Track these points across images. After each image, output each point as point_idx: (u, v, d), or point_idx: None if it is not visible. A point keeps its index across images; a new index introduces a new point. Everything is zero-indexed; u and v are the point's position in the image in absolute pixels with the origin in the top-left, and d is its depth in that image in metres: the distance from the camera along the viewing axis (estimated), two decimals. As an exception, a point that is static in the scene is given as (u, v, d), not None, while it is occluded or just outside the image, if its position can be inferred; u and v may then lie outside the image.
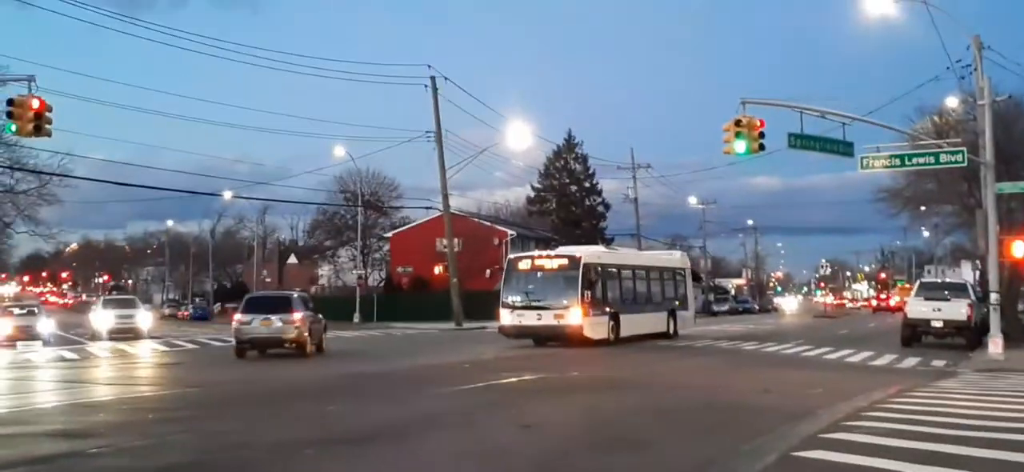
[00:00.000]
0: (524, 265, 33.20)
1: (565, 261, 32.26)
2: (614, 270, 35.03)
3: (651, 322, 35.96)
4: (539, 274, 32.36)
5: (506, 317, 32.26)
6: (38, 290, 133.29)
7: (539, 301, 31.55)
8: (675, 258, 44.11)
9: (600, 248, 39.33)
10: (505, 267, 34.52)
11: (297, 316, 28.02)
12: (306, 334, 28.01)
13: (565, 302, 30.85)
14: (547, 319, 31.05)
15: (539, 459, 10.52)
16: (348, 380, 21.13)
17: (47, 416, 15.16)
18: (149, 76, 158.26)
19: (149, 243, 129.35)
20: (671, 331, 37.32)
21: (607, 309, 32.45)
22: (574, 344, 30.20)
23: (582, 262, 31.60)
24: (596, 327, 31.38)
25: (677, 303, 39.19)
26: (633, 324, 34.04)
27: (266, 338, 27.92)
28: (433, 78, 48.54)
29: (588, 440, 11.99)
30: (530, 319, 31.50)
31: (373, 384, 20.18)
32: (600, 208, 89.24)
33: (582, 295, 30.75)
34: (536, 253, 35.56)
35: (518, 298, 32.14)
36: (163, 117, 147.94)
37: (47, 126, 24.30)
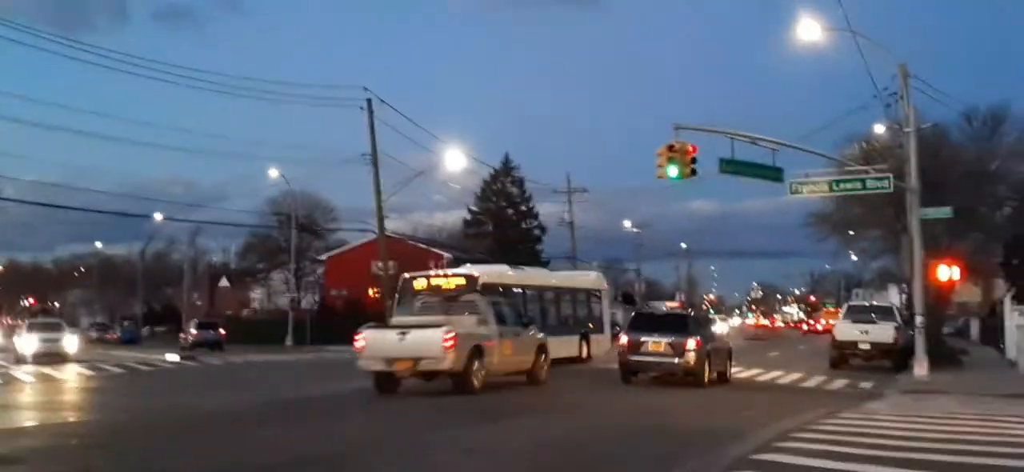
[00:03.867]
0: (419, 284, 31.58)
1: (462, 280, 30.81)
2: (518, 291, 33.74)
3: (560, 346, 32.23)
4: (436, 294, 29.76)
5: None
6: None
7: None
8: (590, 278, 42.17)
9: (503, 267, 37.36)
10: (399, 285, 32.71)
11: None
12: None
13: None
14: None
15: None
16: (278, 405, 20.87)
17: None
18: (81, 96, 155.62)
19: (77, 265, 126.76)
20: (584, 355, 35.76)
21: None
22: None
23: (479, 281, 30.32)
24: None
25: (591, 326, 37.65)
26: None
27: None
28: (369, 100, 48.18)
29: (528, 463, 11.96)
30: None
31: (303, 409, 19.93)
32: (536, 231, 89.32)
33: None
34: (432, 272, 33.75)
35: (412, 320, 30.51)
36: (95, 138, 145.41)
37: (-30, 145, 23.77)
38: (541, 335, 26.11)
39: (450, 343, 20.98)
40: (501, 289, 32.08)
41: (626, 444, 13.83)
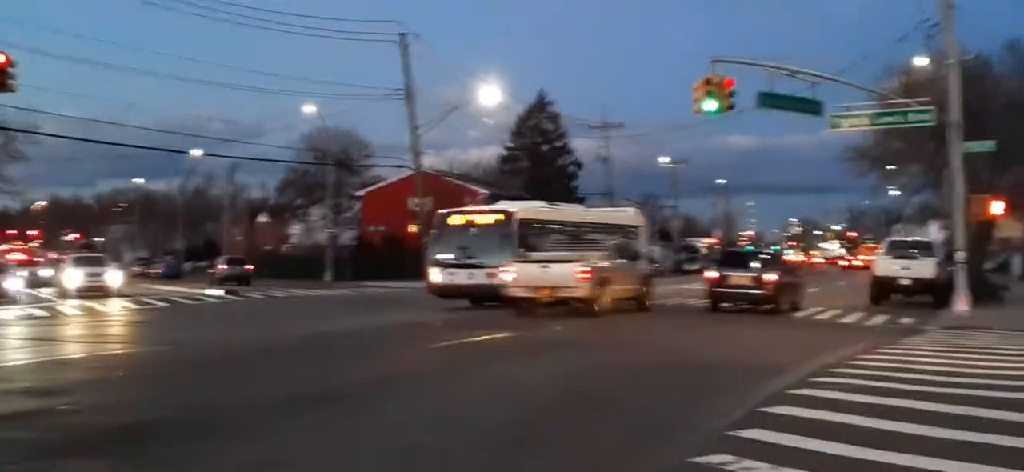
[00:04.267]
0: (456, 221, 31.65)
1: (499, 216, 30.85)
2: (555, 226, 33.60)
3: None
4: (471, 230, 30.91)
5: (435, 275, 30.94)
6: (4, 248, 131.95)
7: (471, 259, 30.21)
8: (628, 214, 41.70)
9: (540, 203, 36.81)
10: (436, 222, 32.68)
11: None
12: None
13: (498, 260, 28.86)
14: (479, 278, 29.55)
15: (508, 417, 10.60)
16: (320, 339, 21.16)
17: (17, 373, 15.08)
18: (120, 32, 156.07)
19: (118, 201, 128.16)
20: None
21: None
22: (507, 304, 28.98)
23: (516, 217, 30.34)
24: None
25: None
26: None
27: None
28: (403, 35, 48.32)
29: (559, 398, 12.06)
30: (461, 278, 30.16)
31: (344, 343, 20.23)
32: (572, 168, 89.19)
33: (516, 253, 28.94)
34: (469, 208, 33.60)
35: (449, 255, 30.79)
36: (134, 73, 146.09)
37: (11, 81, 23.95)
38: (648, 268, 31.89)
39: (584, 275, 25.33)
40: (538, 225, 32.14)
41: (666, 375, 13.93)
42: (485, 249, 30.09)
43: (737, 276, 28.51)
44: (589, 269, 25.60)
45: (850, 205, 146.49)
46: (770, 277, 27.95)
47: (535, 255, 28.21)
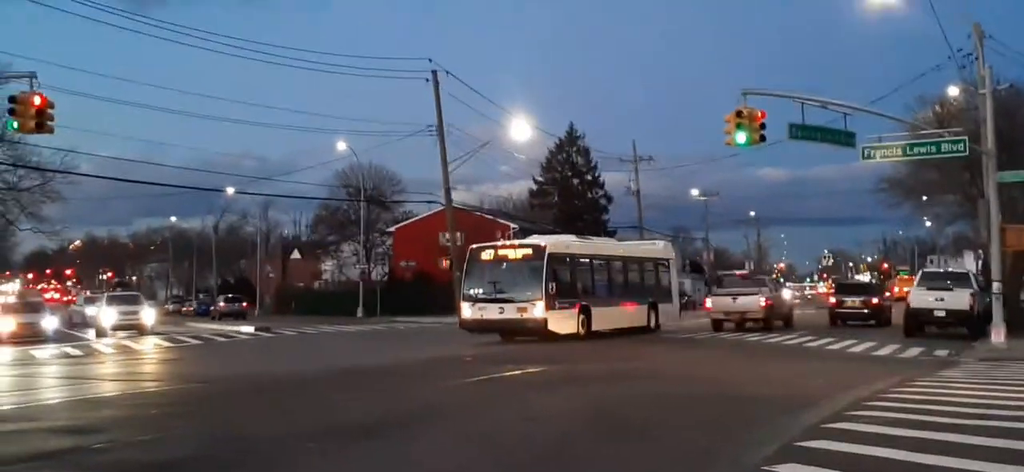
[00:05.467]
0: (486, 255, 31.48)
1: (529, 251, 30.82)
2: (585, 261, 33.69)
3: (628, 316, 34.34)
4: (503, 265, 30.87)
5: (466, 310, 30.93)
6: (41, 287, 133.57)
7: (501, 294, 30.22)
8: (658, 248, 41.69)
9: (570, 237, 37.40)
10: (467, 257, 32.54)
11: None
12: None
13: (528, 295, 29.48)
14: (510, 313, 29.71)
15: (544, 448, 10.56)
16: (351, 373, 21.22)
17: (52, 412, 15.22)
18: (153, 72, 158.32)
19: (153, 240, 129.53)
20: (652, 325, 35.83)
21: (576, 302, 31.11)
22: (539, 339, 29.14)
23: (547, 252, 30.20)
24: (563, 321, 30.01)
25: (659, 295, 37.45)
26: (606, 318, 32.51)
27: None
28: (434, 72, 48.42)
29: (592, 429, 12.01)
30: (492, 313, 30.08)
31: (376, 377, 20.25)
32: (602, 201, 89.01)
33: (547, 287, 29.38)
34: (499, 243, 33.38)
35: (479, 290, 30.80)
36: (168, 113, 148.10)
37: (49, 123, 24.24)
38: (788, 294, 49.04)
39: (765, 302, 36.17)
40: (568, 259, 32.22)
41: (699, 407, 13.83)
42: (516, 283, 30.16)
43: (850, 300, 40.82)
44: (768, 299, 36.47)
45: (884, 235, 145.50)
46: (874, 300, 40.68)
47: (722, 290, 38.30)
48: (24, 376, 22.93)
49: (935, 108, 36.15)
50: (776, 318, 37.47)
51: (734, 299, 36.57)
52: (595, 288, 33.36)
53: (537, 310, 29.37)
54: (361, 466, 9.48)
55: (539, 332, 29.44)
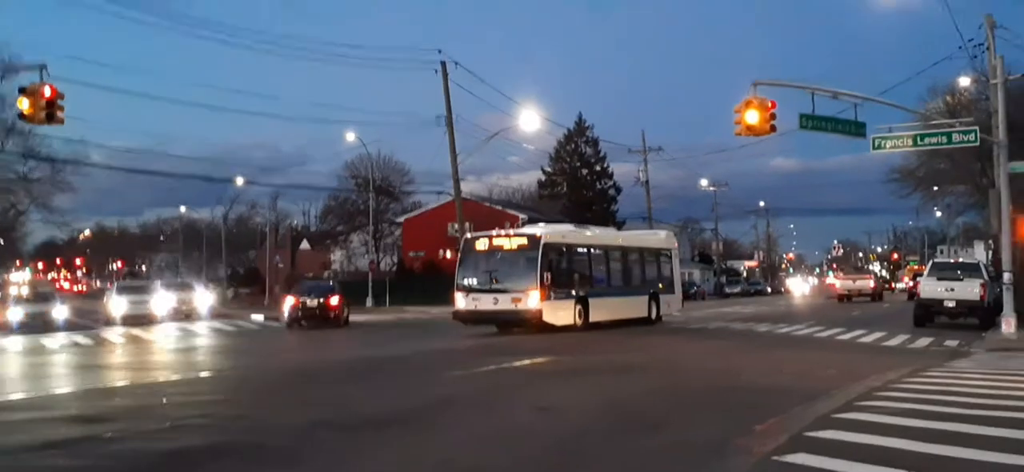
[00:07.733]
0: (481, 245, 31.10)
1: (524, 240, 30.41)
2: (583, 250, 33.21)
3: (627, 307, 33.78)
4: (497, 255, 30.39)
5: (461, 301, 30.47)
6: (51, 277, 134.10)
7: (496, 284, 29.85)
8: (659, 238, 41.17)
9: (567, 226, 36.76)
10: (461, 247, 32.29)
11: None
12: None
13: (523, 285, 29.06)
14: (504, 303, 29.36)
15: (557, 439, 10.58)
16: (362, 363, 21.25)
17: (63, 401, 15.25)
18: (164, 63, 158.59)
19: (162, 229, 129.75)
20: (653, 316, 35.21)
21: (573, 292, 30.67)
22: (534, 330, 28.80)
23: (542, 241, 29.71)
24: (559, 312, 29.71)
25: (660, 286, 36.89)
26: (605, 309, 32.15)
27: None
28: (443, 63, 48.47)
29: (603, 421, 12.01)
30: (486, 303, 29.78)
31: (387, 367, 20.28)
32: (611, 191, 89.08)
33: (542, 277, 28.92)
34: (494, 232, 32.76)
35: (474, 281, 30.39)
36: (177, 104, 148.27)
37: (59, 113, 24.27)
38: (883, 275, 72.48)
39: (876, 282, 51.77)
40: (565, 248, 31.84)
41: (714, 398, 13.82)
42: (510, 274, 29.79)
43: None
44: (876, 281, 48.63)
45: (894, 226, 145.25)
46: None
47: (841, 274, 49.19)
48: (34, 365, 22.95)
49: (946, 98, 36.05)
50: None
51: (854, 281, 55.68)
52: (593, 278, 33.00)
53: (532, 301, 28.96)
54: (377, 457, 9.49)
55: (534, 323, 29.03)
